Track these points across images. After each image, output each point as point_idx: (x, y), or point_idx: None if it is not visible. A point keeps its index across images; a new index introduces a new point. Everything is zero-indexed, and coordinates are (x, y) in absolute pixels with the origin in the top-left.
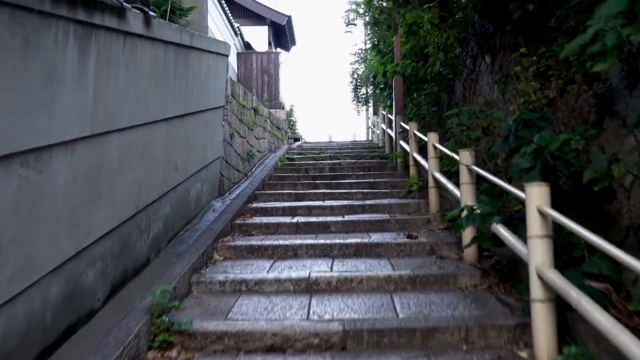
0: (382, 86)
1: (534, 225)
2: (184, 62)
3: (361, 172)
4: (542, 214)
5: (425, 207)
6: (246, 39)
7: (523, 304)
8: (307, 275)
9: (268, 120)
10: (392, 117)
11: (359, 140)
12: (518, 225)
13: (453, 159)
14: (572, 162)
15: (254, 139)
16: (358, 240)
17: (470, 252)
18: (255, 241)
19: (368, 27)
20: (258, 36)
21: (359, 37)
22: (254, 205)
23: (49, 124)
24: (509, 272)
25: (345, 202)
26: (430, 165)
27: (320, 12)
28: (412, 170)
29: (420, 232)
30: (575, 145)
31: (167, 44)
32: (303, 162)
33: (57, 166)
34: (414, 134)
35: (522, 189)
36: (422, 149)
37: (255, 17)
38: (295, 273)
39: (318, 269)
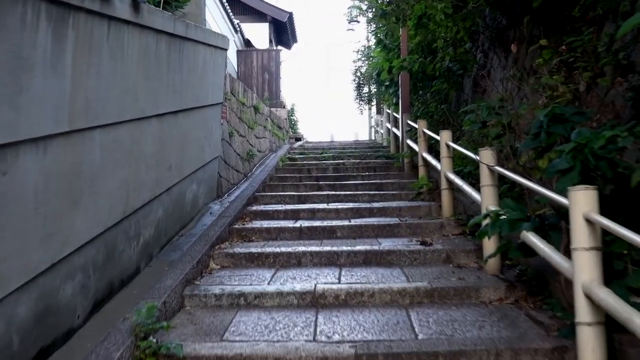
0: (387, 83)
1: (581, 236)
2: (178, 53)
3: (366, 173)
4: (589, 222)
5: (437, 210)
6: (246, 35)
7: (558, 323)
8: (313, 287)
9: (269, 119)
10: (398, 116)
11: (362, 140)
12: (550, 233)
13: (465, 158)
14: (617, 162)
15: (254, 138)
16: (367, 247)
17: (492, 261)
18: (255, 248)
19: (372, 23)
20: (258, 33)
21: (361, 34)
22: (254, 208)
23: (14, 117)
24: (538, 285)
25: (351, 205)
26: (443, 165)
27: (321, 12)
28: (422, 171)
29: (433, 238)
30: (623, 143)
31: (159, 33)
32: (305, 162)
33: (26, 166)
34: (423, 133)
35: (559, 193)
36: (431, 148)
37: (255, 14)
38: (300, 285)
39: (324, 280)
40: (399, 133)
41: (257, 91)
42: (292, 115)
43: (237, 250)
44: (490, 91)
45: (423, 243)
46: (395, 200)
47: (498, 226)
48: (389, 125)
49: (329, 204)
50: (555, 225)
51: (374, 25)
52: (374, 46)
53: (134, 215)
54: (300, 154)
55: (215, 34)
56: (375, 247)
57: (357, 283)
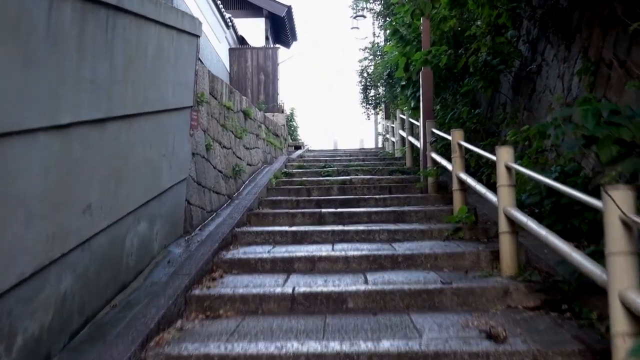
0: (403, 83)
1: None
2: (104, 32)
3: (380, 195)
4: None
5: (488, 258)
6: (240, 32)
7: None
8: None
9: (263, 125)
10: (416, 122)
11: (369, 148)
12: None
13: (528, 181)
14: None
15: (243, 150)
16: (400, 343)
17: None
18: (216, 344)
19: (380, 16)
20: (254, 29)
21: (367, 31)
22: (230, 254)
23: None
24: None
25: (365, 248)
26: (501, 197)
27: (323, 8)
28: (457, 198)
29: (498, 316)
30: None
31: None
32: (304, 178)
33: None
34: (459, 146)
35: None
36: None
37: (250, 8)
38: None
39: None
40: (417, 143)
41: (252, 94)
42: (291, 121)
43: (188, 349)
44: (541, 92)
45: (492, 337)
46: (424, 238)
47: None
48: (403, 133)
49: (335, 246)
50: None
51: (382, 21)
52: (383, 42)
53: None
54: (299, 167)
55: (177, 12)
56: (415, 346)
57: None
